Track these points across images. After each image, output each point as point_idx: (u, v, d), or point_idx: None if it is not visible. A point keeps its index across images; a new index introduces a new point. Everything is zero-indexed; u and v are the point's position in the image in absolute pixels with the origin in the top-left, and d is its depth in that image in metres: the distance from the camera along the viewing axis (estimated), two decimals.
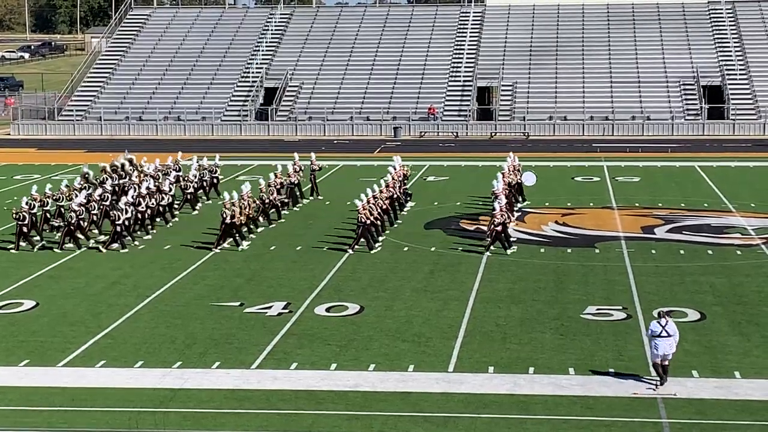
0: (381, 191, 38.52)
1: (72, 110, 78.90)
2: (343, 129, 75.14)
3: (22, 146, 69.31)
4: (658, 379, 22.23)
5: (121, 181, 43.61)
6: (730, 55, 78.55)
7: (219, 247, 35.77)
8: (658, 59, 79.03)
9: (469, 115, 75.54)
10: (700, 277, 31.63)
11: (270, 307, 28.63)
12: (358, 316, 27.81)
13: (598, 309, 28.22)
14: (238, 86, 79.89)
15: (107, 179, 43.11)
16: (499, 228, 34.62)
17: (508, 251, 34.71)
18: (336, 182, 51.45)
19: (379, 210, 36.73)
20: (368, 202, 35.97)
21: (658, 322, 22.30)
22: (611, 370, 23.29)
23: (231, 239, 36.16)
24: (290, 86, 79.40)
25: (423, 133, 73.63)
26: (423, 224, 40.20)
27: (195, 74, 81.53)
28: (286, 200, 42.67)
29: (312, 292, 30.26)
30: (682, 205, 44.19)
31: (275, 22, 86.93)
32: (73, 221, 36.15)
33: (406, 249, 35.86)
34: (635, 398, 21.61)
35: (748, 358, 24.09)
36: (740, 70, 77.21)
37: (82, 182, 42.95)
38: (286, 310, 28.35)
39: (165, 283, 31.51)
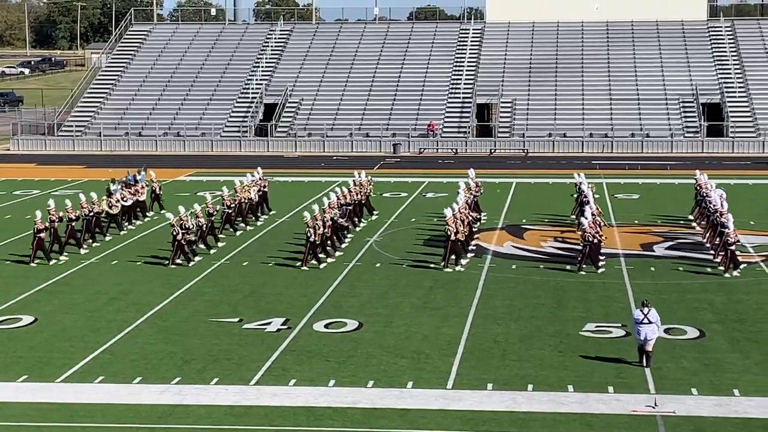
0: (594, 211, 37.88)
1: (72, 126, 78.94)
2: (342, 145, 75.17)
3: (21, 161, 69.31)
4: (639, 362, 24.31)
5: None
6: (730, 73, 78.67)
7: (448, 266, 35.09)
8: (658, 77, 79.13)
9: (469, 132, 75.59)
10: (700, 295, 31.64)
11: (269, 323, 28.63)
12: (357, 333, 27.80)
13: (597, 326, 28.22)
14: (237, 102, 79.97)
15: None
16: (733, 247, 34.56)
17: (729, 274, 34.19)
18: None
19: (598, 227, 36.09)
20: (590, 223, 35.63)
21: (641, 310, 24.73)
22: (610, 387, 23.28)
23: (455, 256, 35.41)
24: (290, 102, 79.48)
25: (422, 150, 73.71)
26: (422, 240, 40.22)
27: (195, 90, 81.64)
28: (478, 216, 43.32)
29: (311, 308, 30.25)
30: (682, 222, 44.19)
31: (275, 38, 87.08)
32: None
33: (405, 265, 35.87)
34: (634, 416, 21.59)
35: (748, 376, 24.09)
36: (739, 87, 77.30)
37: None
38: (285, 326, 28.35)
39: (164, 298, 31.50)
